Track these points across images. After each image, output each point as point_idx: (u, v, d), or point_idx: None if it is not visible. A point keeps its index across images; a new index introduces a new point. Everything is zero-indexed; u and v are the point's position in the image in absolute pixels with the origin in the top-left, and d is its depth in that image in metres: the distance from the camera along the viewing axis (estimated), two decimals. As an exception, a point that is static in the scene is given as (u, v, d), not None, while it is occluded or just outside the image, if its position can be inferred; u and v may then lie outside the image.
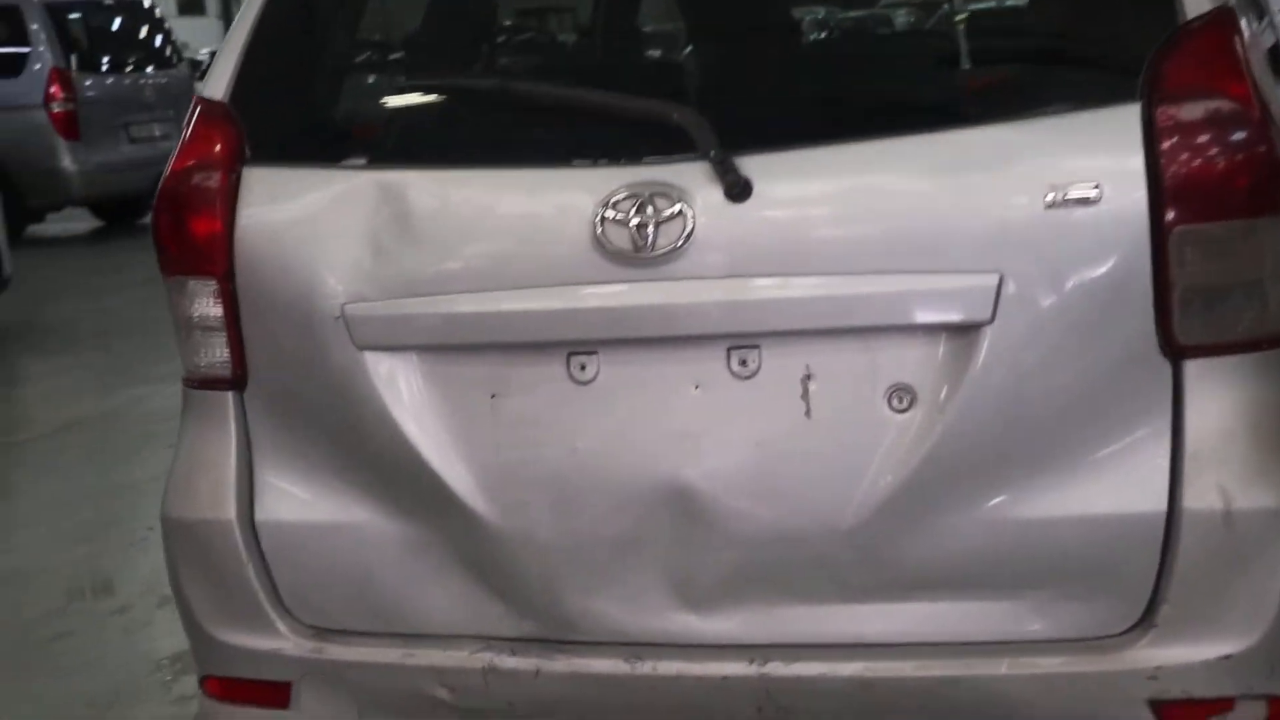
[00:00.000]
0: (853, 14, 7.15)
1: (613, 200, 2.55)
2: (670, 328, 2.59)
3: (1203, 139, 2.42)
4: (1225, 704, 2.49)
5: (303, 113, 2.92)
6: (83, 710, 4.22)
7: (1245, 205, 2.43)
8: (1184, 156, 2.42)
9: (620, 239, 2.54)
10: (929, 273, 2.49)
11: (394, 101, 2.96)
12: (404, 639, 2.78)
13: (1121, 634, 2.52)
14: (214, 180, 2.78)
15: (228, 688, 2.92)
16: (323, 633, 2.84)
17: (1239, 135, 2.42)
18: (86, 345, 9.42)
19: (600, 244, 2.55)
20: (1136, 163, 2.43)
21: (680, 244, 2.53)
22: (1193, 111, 2.43)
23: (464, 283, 2.66)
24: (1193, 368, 2.46)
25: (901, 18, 6.53)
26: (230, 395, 2.84)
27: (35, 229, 14.51)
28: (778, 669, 2.58)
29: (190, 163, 2.81)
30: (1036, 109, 2.53)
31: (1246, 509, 2.44)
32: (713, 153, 2.53)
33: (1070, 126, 2.51)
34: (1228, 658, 2.46)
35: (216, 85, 2.85)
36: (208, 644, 2.90)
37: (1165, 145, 2.42)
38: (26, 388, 8.67)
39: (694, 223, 2.53)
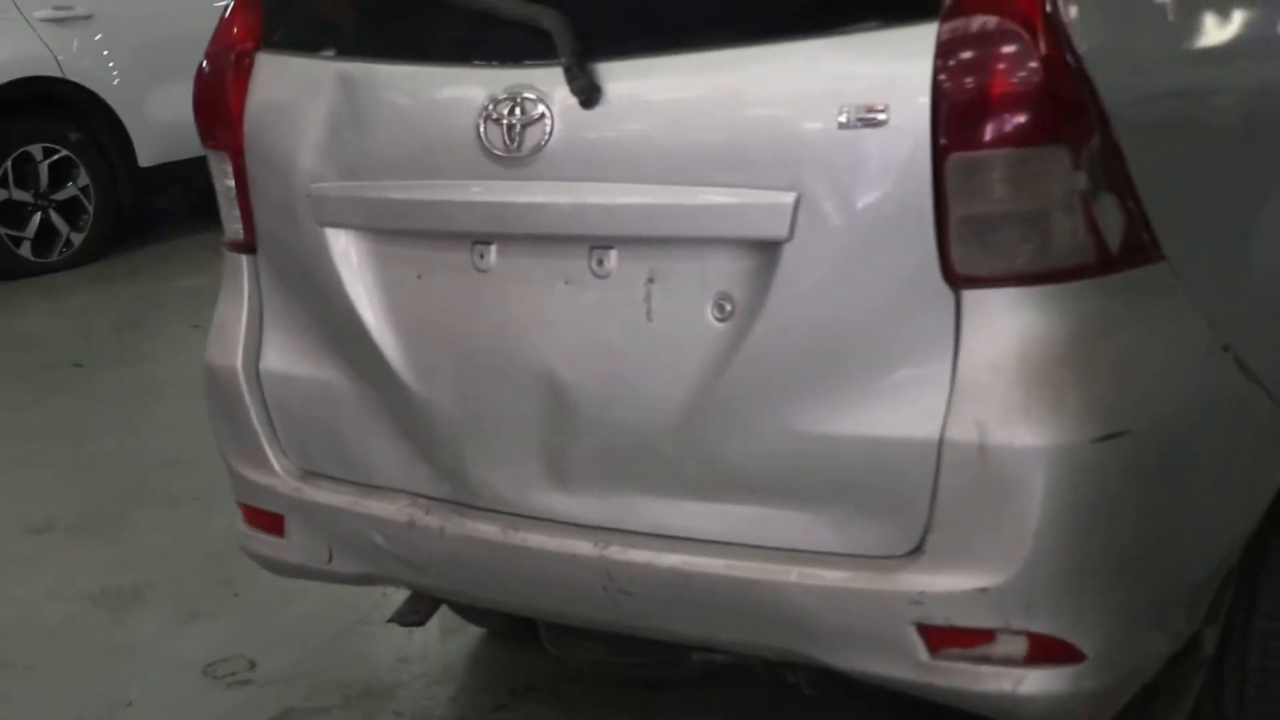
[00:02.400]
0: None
1: (494, 101, 2.72)
2: (535, 226, 2.75)
3: (978, 61, 2.34)
4: (986, 635, 2.45)
5: (306, 4, 3.20)
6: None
7: (1018, 134, 2.33)
8: (959, 79, 2.35)
9: (496, 139, 2.72)
10: (740, 187, 2.53)
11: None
12: (357, 488, 3.08)
13: (900, 556, 2.51)
14: (232, 63, 3.13)
15: (247, 513, 3.31)
16: (307, 475, 3.17)
17: (1014, 59, 2.32)
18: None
19: (482, 142, 2.73)
20: (924, 84, 2.37)
21: (542, 146, 2.68)
22: (970, 31, 2.34)
23: (389, 171, 2.91)
24: (970, 298, 2.41)
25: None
26: (245, 258, 3.20)
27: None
28: (615, 553, 2.71)
29: (219, 45, 3.17)
30: (853, 23, 2.50)
31: (999, 445, 2.37)
32: (564, 58, 2.64)
33: (874, 43, 2.46)
34: (984, 590, 2.42)
35: None
36: (231, 473, 3.31)
37: (943, 66, 2.36)
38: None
39: (552, 126, 2.67)
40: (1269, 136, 2.67)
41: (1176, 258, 2.49)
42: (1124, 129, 2.39)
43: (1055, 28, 2.33)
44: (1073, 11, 2.35)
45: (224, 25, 3.18)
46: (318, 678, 3.89)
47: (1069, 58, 2.34)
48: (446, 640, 4.02)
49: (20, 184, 8.99)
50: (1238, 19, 2.68)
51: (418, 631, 4.01)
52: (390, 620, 3.44)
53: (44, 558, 4.83)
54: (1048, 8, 2.33)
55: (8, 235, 8.96)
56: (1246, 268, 2.63)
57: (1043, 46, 2.32)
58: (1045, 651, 2.45)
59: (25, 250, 9.03)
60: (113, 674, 4.03)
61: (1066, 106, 2.34)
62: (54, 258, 9.10)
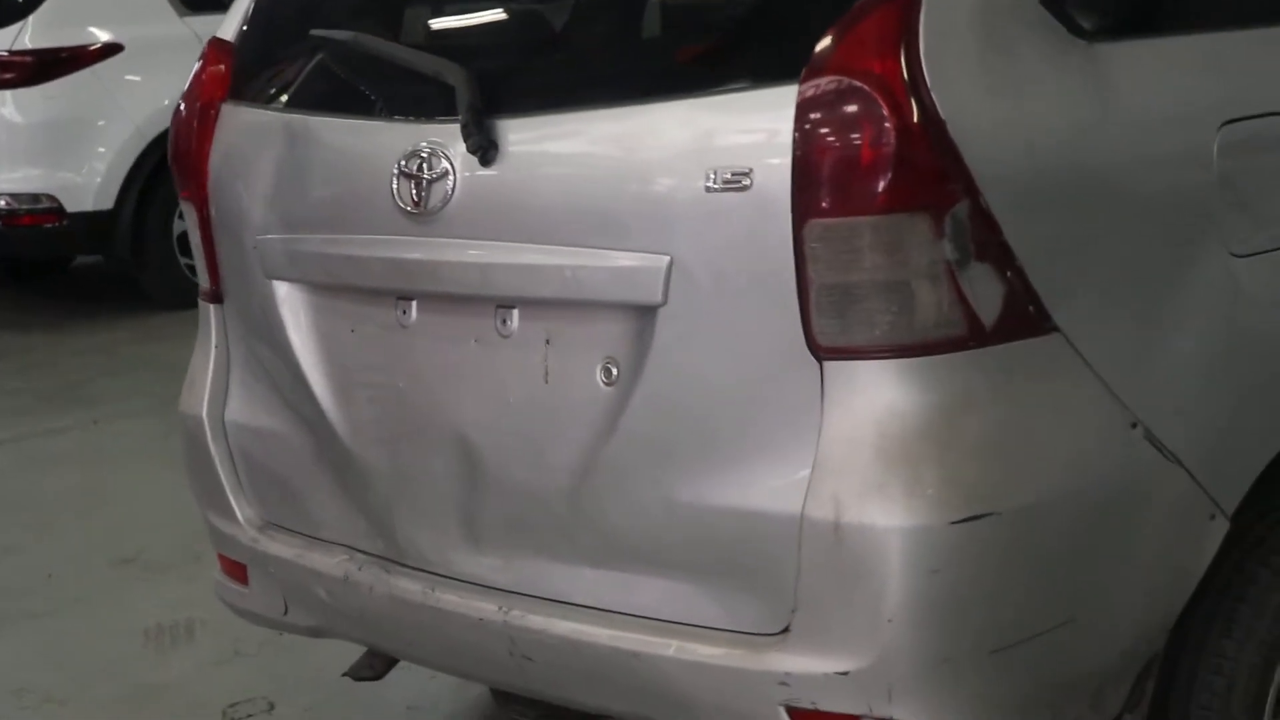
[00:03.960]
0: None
1: (406, 156, 2.69)
2: (444, 284, 2.72)
3: (832, 124, 2.23)
4: None
5: (269, 56, 3.18)
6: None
7: (873, 200, 2.22)
8: (813, 142, 2.24)
9: (406, 195, 2.69)
10: (619, 250, 2.47)
11: (297, 48, 3.16)
12: (306, 540, 3.07)
13: (771, 635, 2.40)
14: (199, 113, 3.15)
15: (220, 559, 3.33)
16: (267, 525, 3.18)
17: (868, 123, 2.21)
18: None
19: (395, 198, 2.71)
20: (785, 147, 2.27)
21: (446, 202, 2.64)
22: (826, 92, 2.24)
23: (321, 224, 2.90)
24: (833, 369, 2.30)
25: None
26: (213, 308, 3.22)
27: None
28: (516, 618, 2.66)
29: (189, 96, 3.19)
30: (726, 82, 2.42)
31: (854, 523, 2.26)
32: (461, 114, 2.60)
33: (742, 104, 2.38)
34: (845, 674, 2.30)
35: (229, 27, 3.19)
36: (205, 521, 3.33)
37: (799, 129, 2.25)
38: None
39: (455, 183, 2.63)
40: (1173, 206, 2.49)
41: (1073, 330, 2.34)
42: (999, 197, 2.26)
43: (915, 91, 2.22)
44: (935, 74, 2.23)
45: (195, 74, 3.20)
46: (329, 723, 3.90)
47: (928, 123, 2.21)
48: (462, 689, 3.98)
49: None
50: (1129, 86, 2.47)
51: (436, 678, 4.01)
52: (345, 674, 3.42)
53: (118, 591, 4.94)
54: (906, 71, 2.22)
55: (188, 266, 9.24)
56: (1162, 341, 2.46)
57: (899, 110, 2.21)
58: None
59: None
60: (139, 713, 4.09)
61: (925, 173, 2.23)
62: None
